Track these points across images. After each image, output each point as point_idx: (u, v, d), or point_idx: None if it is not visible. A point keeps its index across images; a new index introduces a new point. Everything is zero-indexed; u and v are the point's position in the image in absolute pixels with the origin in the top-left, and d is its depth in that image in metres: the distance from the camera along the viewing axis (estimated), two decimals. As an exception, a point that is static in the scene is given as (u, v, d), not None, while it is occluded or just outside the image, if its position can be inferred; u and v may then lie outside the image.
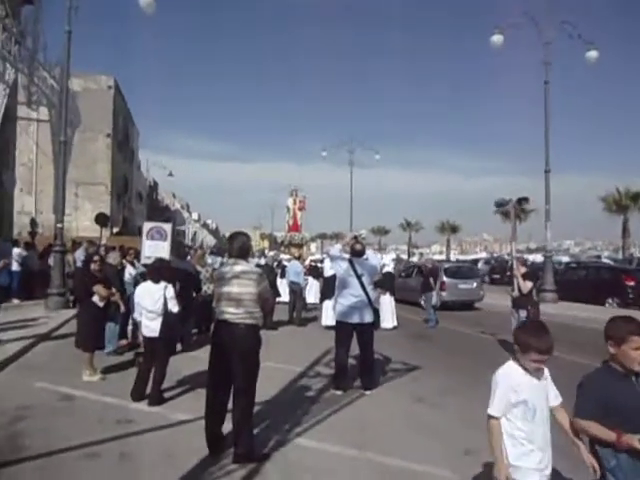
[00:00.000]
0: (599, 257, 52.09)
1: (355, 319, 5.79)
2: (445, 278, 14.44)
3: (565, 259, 38.08)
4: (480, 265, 32.64)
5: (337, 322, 6.02)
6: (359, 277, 5.78)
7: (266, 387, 4.88)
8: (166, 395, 5.38)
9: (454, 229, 57.54)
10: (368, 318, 5.83)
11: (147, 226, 7.10)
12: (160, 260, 5.64)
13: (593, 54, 15.79)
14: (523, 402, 2.35)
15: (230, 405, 3.92)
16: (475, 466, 3.93)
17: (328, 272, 11.42)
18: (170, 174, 37.09)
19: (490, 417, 2.46)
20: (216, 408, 3.95)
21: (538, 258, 30.91)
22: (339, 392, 5.76)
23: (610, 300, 15.19)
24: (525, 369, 2.37)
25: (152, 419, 4.68)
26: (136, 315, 5.47)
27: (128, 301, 6.87)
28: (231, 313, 3.78)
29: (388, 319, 10.57)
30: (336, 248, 6.28)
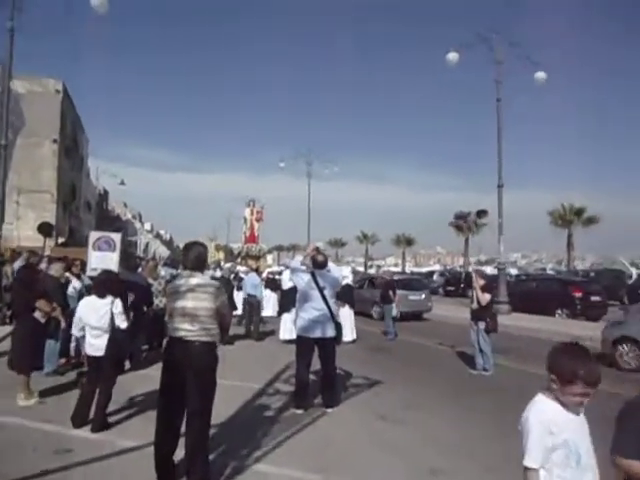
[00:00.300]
0: (544, 269, 54.55)
1: (317, 333, 5.57)
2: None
3: (514, 271, 39.51)
4: (435, 277, 33.33)
5: (298, 337, 5.79)
6: (321, 290, 5.58)
7: (222, 407, 4.56)
8: (112, 419, 4.94)
9: (409, 242, 58.54)
10: (330, 332, 5.62)
11: (94, 236, 6.59)
12: (106, 272, 5.20)
13: (541, 75, 16.51)
14: (563, 444, 1.86)
15: (183, 429, 3.60)
16: (442, 487, 3.80)
17: (287, 284, 11.17)
18: (122, 183, 35.74)
19: (527, 469, 1.90)
20: (168, 433, 3.61)
21: (488, 270, 31.85)
22: (300, 411, 5.50)
23: (560, 311, 15.73)
24: (561, 403, 1.91)
25: (95, 447, 4.25)
26: (74, 331, 5.02)
27: (71, 316, 6.34)
28: (186, 330, 3.48)
29: (347, 332, 10.38)
30: (296, 260, 6.07)
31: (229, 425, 4.96)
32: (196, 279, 3.58)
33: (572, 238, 32.95)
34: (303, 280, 5.69)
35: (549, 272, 44.10)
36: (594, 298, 16.03)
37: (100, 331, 4.82)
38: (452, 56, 15.71)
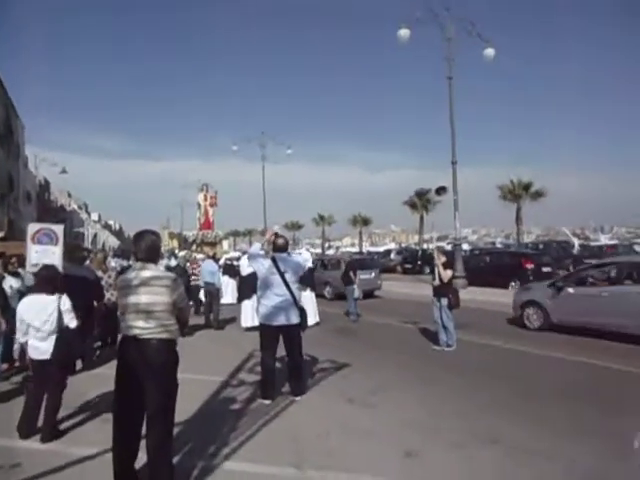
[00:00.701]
0: (493, 244, 56.59)
1: (280, 320, 5.37)
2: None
3: (466, 246, 40.69)
4: (392, 256, 33.79)
5: (261, 325, 5.56)
6: (282, 275, 5.37)
7: (185, 403, 4.28)
8: (64, 426, 4.57)
9: (365, 222, 59.02)
10: (294, 319, 5.43)
11: (33, 228, 6.00)
12: (47, 267, 4.73)
13: (490, 52, 16.69)
14: None
15: (143, 432, 3.32)
16: (418, 469, 3.73)
17: (245, 270, 10.87)
18: (63, 171, 33.77)
19: None
20: (126, 438, 3.32)
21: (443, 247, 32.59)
22: (267, 401, 5.31)
23: (513, 283, 16.24)
24: None
25: (46, 459, 3.89)
26: (19, 336, 4.51)
27: (13, 317, 5.82)
28: (140, 327, 3.17)
29: (311, 315, 10.22)
30: (256, 246, 5.83)
31: (193, 422, 4.70)
32: (149, 271, 3.26)
33: (521, 212, 34.14)
34: (263, 266, 5.47)
35: (498, 246, 45.78)
36: (545, 269, 16.65)
37: (45, 333, 4.41)
38: (403, 32, 15.58)
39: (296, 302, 5.46)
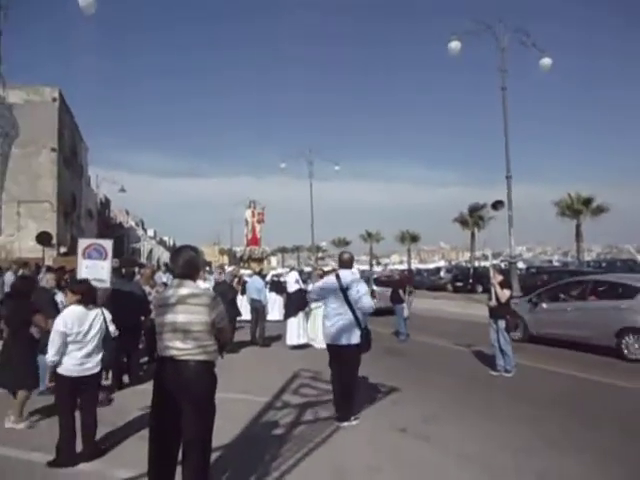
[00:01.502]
0: (550, 262, 53.91)
1: (338, 341, 5.21)
2: (375, 287, 15.34)
3: (521, 264, 38.92)
4: (442, 274, 32.82)
5: (327, 345, 5.47)
6: (344, 292, 5.16)
7: (226, 424, 4.10)
8: (105, 444, 4.48)
9: (414, 238, 57.93)
10: (354, 339, 5.17)
11: (83, 243, 6.10)
12: (83, 280, 4.81)
13: (547, 61, 15.98)
14: None
15: (180, 456, 3.14)
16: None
17: (292, 287, 10.73)
18: (122, 189, 35.35)
19: None
20: (162, 463, 3.14)
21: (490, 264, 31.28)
22: (345, 424, 5.10)
23: (574, 304, 15.15)
24: None
25: (85, 478, 3.80)
26: (52, 355, 4.12)
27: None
28: (177, 348, 2.99)
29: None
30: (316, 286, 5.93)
31: (234, 446, 4.49)
32: (187, 288, 3.08)
33: (580, 228, 32.31)
34: (328, 283, 5.44)
35: (555, 264, 43.51)
36: (610, 289, 15.46)
37: (92, 346, 4.35)
38: (454, 45, 15.20)
39: (359, 323, 5.18)
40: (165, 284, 9.60)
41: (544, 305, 10.11)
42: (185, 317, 2.99)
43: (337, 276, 5.29)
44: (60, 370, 4.20)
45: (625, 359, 8.24)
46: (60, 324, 4.19)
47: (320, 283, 5.87)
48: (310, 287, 11.04)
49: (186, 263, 3.14)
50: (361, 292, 5.17)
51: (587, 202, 32.12)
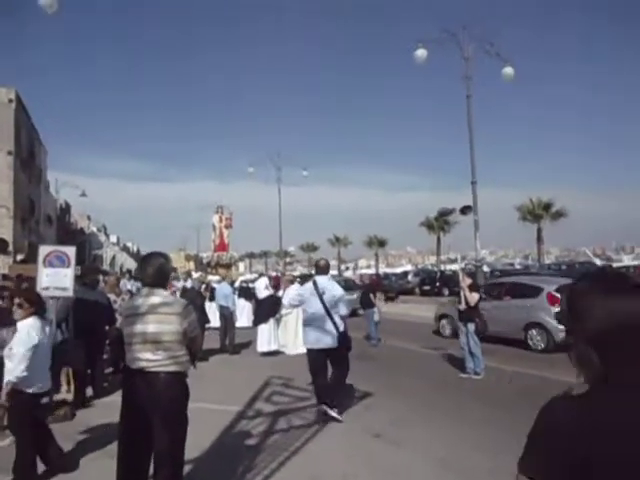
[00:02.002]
0: (512, 265, 55.39)
1: (321, 344, 5.42)
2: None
3: (485, 268, 39.85)
4: (410, 277, 33.21)
5: (308, 350, 5.63)
6: (320, 296, 5.39)
7: (197, 436, 3.96)
8: (70, 459, 4.26)
9: (381, 243, 58.42)
10: (333, 342, 5.42)
11: (44, 251, 5.80)
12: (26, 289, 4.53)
13: (509, 70, 16.42)
14: None
15: (150, 472, 3.00)
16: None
17: (262, 293, 10.62)
18: (83, 194, 34.18)
19: None
20: (132, 479, 3.02)
21: (456, 268, 31.95)
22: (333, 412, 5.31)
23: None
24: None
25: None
26: (23, 371, 3.74)
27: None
28: (148, 360, 2.87)
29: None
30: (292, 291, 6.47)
31: (206, 459, 4.35)
32: (158, 297, 2.96)
33: (541, 232, 33.36)
34: (305, 289, 5.62)
35: (517, 267, 44.76)
36: (571, 291, 16.00)
37: (47, 359, 4.12)
38: (420, 53, 15.41)
39: (336, 327, 5.39)
40: (130, 292, 9.31)
41: None
42: (156, 327, 2.87)
43: (314, 282, 5.43)
44: (22, 386, 3.93)
45: (530, 349, 9.69)
46: (34, 337, 3.85)
47: (298, 289, 5.92)
48: (280, 293, 10.99)
49: (156, 271, 3.02)
50: (337, 296, 5.38)
51: (547, 207, 33.22)
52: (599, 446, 0.95)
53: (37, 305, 4.11)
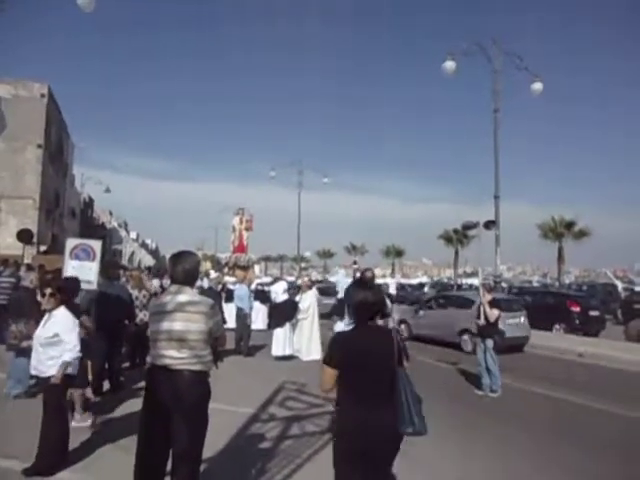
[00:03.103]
0: (530, 282, 54.50)
1: None
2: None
3: (503, 284, 39.28)
4: (426, 289, 32.95)
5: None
6: None
7: (212, 436, 3.93)
8: (84, 454, 4.31)
9: (399, 253, 58.28)
10: None
11: (71, 243, 5.94)
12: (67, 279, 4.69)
13: (538, 86, 16.26)
14: None
15: (168, 468, 3.02)
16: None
17: (280, 297, 10.63)
18: (107, 190, 34.89)
19: None
20: (149, 475, 3.04)
21: (475, 282, 31.55)
22: None
23: (557, 325, 15.32)
24: None
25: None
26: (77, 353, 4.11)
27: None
28: (172, 357, 2.90)
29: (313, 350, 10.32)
30: (341, 273, 6.20)
31: (220, 460, 4.36)
32: (186, 296, 2.99)
33: (562, 251, 32.81)
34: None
35: (535, 285, 44.00)
36: (592, 313, 15.65)
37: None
38: (449, 65, 15.37)
39: None
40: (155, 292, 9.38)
41: (421, 312, 13.53)
42: (182, 325, 2.90)
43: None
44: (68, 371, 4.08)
45: (463, 351, 11.33)
46: (76, 323, 4.21)
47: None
48: (297, 298, 11.01)
49: (188, 270, 3.04)
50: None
51: (569, 225, 32.69)
52: (349, 346, 2.61)
53: (67, 295, 4.25)
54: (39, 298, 6.36)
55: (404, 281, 54.93)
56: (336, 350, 2.57)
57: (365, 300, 2.62)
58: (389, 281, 20.75)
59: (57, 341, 4.05)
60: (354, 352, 2.54)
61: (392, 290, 17.88)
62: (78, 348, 4.08)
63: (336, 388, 2.58)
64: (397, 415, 2.52)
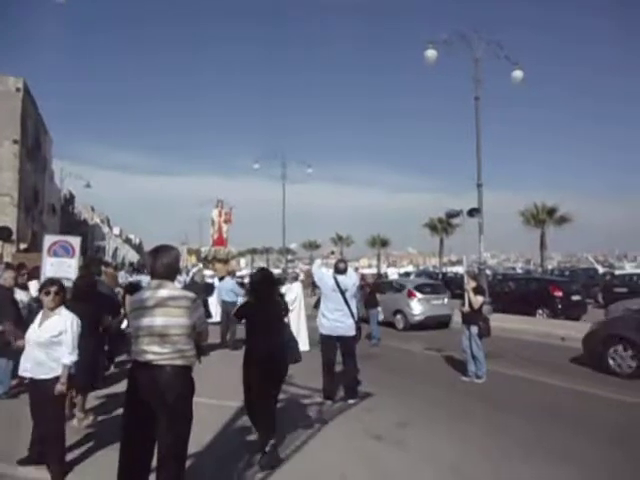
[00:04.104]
0: (514, 269, 55.24)
1: (339, 332, 6.24)
2: None
3: (487, 271, 39.72)
4: (412, 278, 33.15)
5: (322, 335, 6.38)
6: (342, 293, 6.22)
7: (198, 431, 3.91)
8: (69, 455, 4.24)
9: (384, 243, 58.44)
10: (351, 331, 6.26)
11: (49, 240, 5.80)
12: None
13: (518, 74, 16.34)
14: None
15: (153, 465, 2.99)
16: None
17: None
18: (87, 185, 34.24)
19: None
20: (134, 473, 3.00)
21: (460, 270, 31.82)
22: (329, 402, 6.09)
23: (540, 311, 15.57)
24: None
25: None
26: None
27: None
28: (154, 353, 2.85)
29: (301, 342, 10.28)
30: (318, 262, 6.93)
31: (206, 454, 4.34)
32: (167, 290, 2.94)
33: (545, 237, 33.26)
34: (328, 285, 6.33)
35: (518, 271, 44.60)
36: (574, 297, 15.93)
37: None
38: (430, 53, 15.36)
39: (353, 317, 6.29)
40: (128, 285, 9.28)
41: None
42: (164, 320, 2.85)
43: (336, 281, 6.27)
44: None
45: (395, 329, 13.64)
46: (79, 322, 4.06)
47: (325, 279, 6.57)
48: (283, 289, 10.98)
49: (167, 264, 2.99)
50: (354, 293, 6.57)
51: (551, 212, 33.10)
52: (254, 310, 4.65)
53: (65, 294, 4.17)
54: (18, 296, 6.24)
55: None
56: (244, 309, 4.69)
57: (262, 283, 4.55)
58: (391, 270, 22.99)
59: (59, 341, 3.89)
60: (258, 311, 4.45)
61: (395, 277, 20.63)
62: (77, 350, 3.95)
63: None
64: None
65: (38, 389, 3.84)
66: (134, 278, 12.77)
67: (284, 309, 5.40)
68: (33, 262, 10.93)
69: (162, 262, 3.00)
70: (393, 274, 22.16)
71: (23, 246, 26.08)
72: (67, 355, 3.86)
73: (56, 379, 3.80)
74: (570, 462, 4.30)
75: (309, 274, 11.36)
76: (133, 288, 7.45)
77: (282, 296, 10.37)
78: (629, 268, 36.30)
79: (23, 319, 5.91)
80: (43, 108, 32.99)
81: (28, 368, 3.89)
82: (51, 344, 3.88)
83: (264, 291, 4.52)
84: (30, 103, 29.94)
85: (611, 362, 7.82)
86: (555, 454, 4.50)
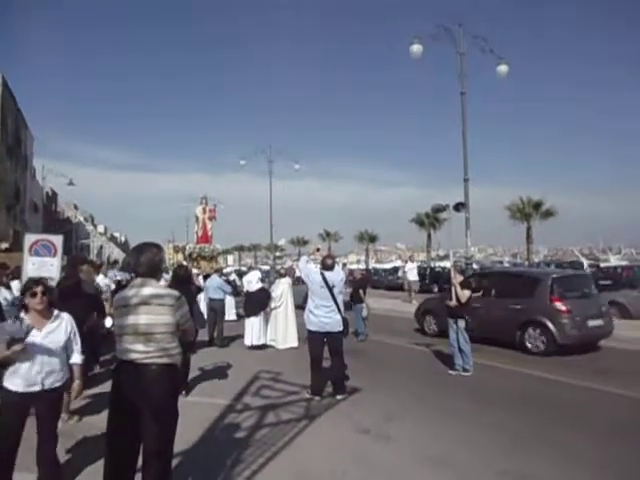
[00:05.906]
0: (501, 262, 55.75)
1: (326, 328, 6.20)
2: None
3: (474, 265, 40.05)
4: (400, 273, 33.26)
5: (309, 331, 6.36)
6: (330, 289, 6.19)
7: (185, 429, 3.89)
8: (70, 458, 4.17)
9: (372, 239, 58.57)
10: (338, 327, 6.24)
11: (30, 239, 5.68)
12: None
13: (503, 68, 16.42)
14: None
15: (138, 465, 2.95)
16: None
17: (253, 287, 10.53)
18: (70, 183, 33.61)
19: None
20: (120, 473, 2.96)
21: (448, 264, 32.04)
22: (317, 397, 6.08)
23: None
24: None
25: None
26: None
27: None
28: (139, 351, 2.81)
29: (291, 338, 10.39)
30: (304, 258, 6.91)
31: (194, 452, 4.31)
32: (150, 288, 2.90)
33: (531, 231, 33.63)
34: (315, 281, 6.28)
35: (506, 265, 45.04)
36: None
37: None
38: (416, 48, 15.34)
39: (341, 313, 6.28)
40: (120, 282, 9.19)
41: None
42: (148, 318, 2.81)
43: (323, 277, 6.23)
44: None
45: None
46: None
47: (311, 275, 6.45)
48: (271, 286, 10.97)
49: (149, 262, 2.95)
50: (340, 288, 6.45)
51: (537, 206, 33.46)
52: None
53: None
54: (1, 295, 6.10)
55: (378, 266, 55.45)
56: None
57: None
58: (409, 266, 21.45)
59: (70, 344, 3.69)
60: None
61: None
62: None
63: None
64: None
65: (49, 398, 3.46)
66: (122, 277, 12.59)
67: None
68: (15, 262, 10.73)
69: (145, 260, 2.95)
70: (411, 269, 20.89)
71: (4, 245, 25.62)
72: (77, 355, 3.70)
73: (66, 383, 3.60)
74: (556, 451, 4.36)
75: (291, 272, 11.25)
76: (123, 287, 7.38)
77: (269, 293, 10.42)
78: (613, 261, 36.87)
79: (6, 319, 5.80)
80: (24, 104, 32.35)
81: (36, 381, 3.40)
82: (64, 348, 3.66)
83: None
84: (9, 99, 29.38)
85: (426, 328, 11.78)
86: (543, 444, 4.55)
